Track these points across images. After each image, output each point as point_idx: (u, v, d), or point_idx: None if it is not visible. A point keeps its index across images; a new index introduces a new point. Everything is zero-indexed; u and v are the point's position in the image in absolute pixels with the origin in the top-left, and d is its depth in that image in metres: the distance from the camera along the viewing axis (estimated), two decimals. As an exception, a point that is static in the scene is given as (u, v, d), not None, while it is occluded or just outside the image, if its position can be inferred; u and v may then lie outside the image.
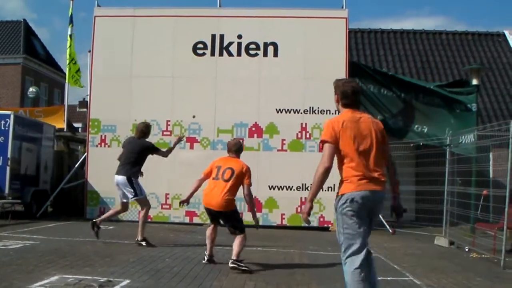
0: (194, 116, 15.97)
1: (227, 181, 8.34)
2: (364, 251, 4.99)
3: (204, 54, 16.32)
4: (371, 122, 5.36)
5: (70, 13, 19.30)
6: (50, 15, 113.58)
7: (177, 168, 15.78)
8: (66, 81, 19.79)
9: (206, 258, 8.66)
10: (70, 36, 19.17)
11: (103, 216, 11.05)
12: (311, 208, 5.21)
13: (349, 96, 5.40)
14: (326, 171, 5.16)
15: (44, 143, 17.10)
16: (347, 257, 5.06)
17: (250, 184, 8.52)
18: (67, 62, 19.24)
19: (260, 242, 11.31)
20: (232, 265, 8.02)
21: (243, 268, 8.01)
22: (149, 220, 15.50)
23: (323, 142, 5.27)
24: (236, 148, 8.92)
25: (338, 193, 5.20)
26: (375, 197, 5.13)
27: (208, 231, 8.77)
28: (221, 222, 8.64)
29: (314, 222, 15.35)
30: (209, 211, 8.58)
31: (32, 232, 11.97)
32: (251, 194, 8.62)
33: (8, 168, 14.77)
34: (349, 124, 5.21)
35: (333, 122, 5.25)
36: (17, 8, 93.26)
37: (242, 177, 8.44)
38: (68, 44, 19.16)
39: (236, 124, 15.92)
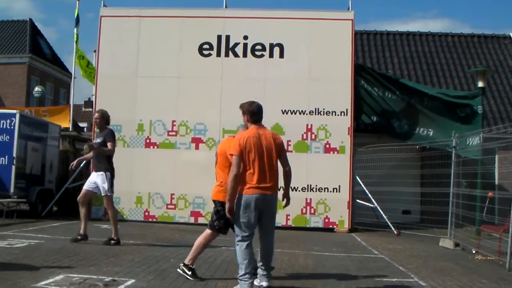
0: None
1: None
2: (247, 234, 6.56)
3: (210, 54, 16.32)
4: (271, 137, 6.79)
5: (76, 13, 19.38)
6: (58, 16, 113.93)
7: (182, 169, 15.83)
8: (81, 74, 19.86)
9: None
10: (78, 35, 19.30)
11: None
12: (230, 208, 6.50)
13: (255, 113, 6.87)
14: (235, 177, 6.44)
15: (49, 143, 17.13)
16: (238, 235, 6.58)
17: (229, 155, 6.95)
18: (76, 58, 19.30)
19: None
20: (178, 270, 7.35)
21: (188, 277, 7.19)
22: (154, 220, 15.63)
23: (232, 155, 6.61)
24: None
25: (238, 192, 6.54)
26: (265, 199, 6.59)
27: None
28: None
29: (319, 223, 15.37)
30: None
31: (37, 231, 12.00)
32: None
33: (13, 167, 14.82)
34: (252, 139, 6.62)
35: (239, 139, 6.65)
36: (25, 8, 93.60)
37: (222, 156, 7.29)
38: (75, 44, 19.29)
39: (242, 125, 15.70)
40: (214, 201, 7.35)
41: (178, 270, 7.31)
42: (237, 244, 6.59)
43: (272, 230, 6.91)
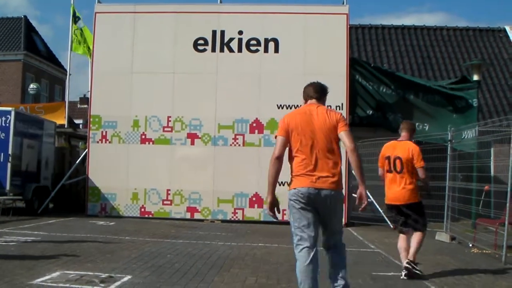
0: None
1: (400, 172, 7.78)
2: (306, 243, 5.23)
3: (205, 50, 16.30)
4: (326, 113, 5.36)
5: (72, 9, 19.32)
6: (53, 13, 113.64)
7: (178, 164, 15.85)
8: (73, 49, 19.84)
9: (403, 273, 7.64)
10: (81, 29, 19.29)
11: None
12: (271, 202, 5.30)
13: (315, 91, 5.56)
14: (276, 159, 5.22)
15: (45, 140, 17.09)
16: (295, 245, 5.31)
17: (422, 167, 7.73)
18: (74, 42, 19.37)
19: (262, 238, 11.32)
20: (406, 265, 7.59)
21: (416, 271, 7.60)
22: (151, 216, 15.63)
23: (277, 136, 5.42)
24: (405, 127, 8.37)
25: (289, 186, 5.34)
26: (318, 194, 5.19)
27: (400, 242, 7.97)
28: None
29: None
30: (392, 208, 8.11)
31: (33, 228, 11.98)
32: (427, 177, 7.89)
33: (9, 165, 14.78)
34: (299, 117, 5.35)
35: (285, 117, 5.44)
36: (20, 5, 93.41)
37: (412, 162, 7.73)
38: (77, 39, 19.29)
39: (237, 120, 15.90)
40: (409, 205, 7.81)
41: (407, 265, 7.63)
42: (295, 253, 5.37)
43: (336, 238, 5.44)
